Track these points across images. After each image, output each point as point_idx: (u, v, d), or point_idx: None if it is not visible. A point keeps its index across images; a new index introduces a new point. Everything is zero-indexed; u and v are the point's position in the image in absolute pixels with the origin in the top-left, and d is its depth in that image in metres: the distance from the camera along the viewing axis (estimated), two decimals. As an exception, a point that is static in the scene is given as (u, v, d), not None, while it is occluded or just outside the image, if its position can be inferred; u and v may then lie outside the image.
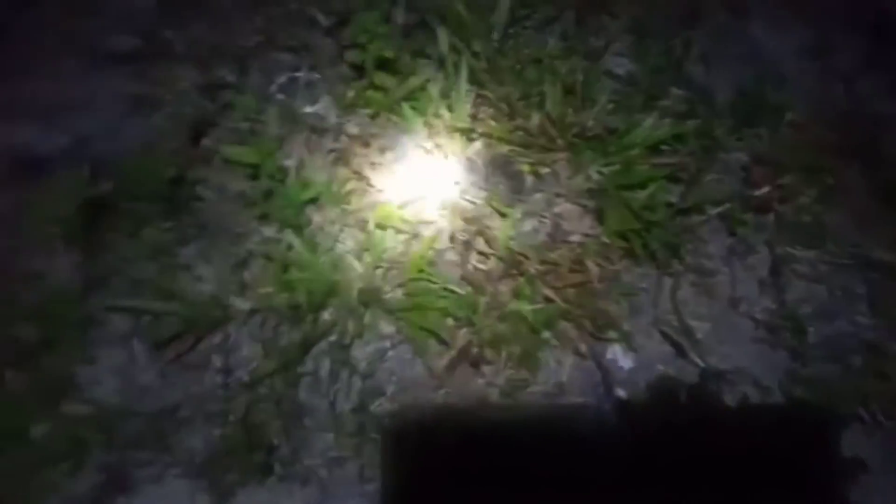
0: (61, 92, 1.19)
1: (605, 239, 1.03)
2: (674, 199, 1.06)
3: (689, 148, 1.12)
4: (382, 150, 1.11)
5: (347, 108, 1.16)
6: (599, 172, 1.08)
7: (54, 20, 1.25)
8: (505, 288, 1.00)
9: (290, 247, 1.01)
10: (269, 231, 1.05)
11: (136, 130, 1.14)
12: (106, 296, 0.99)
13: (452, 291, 0.98)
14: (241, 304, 0.99)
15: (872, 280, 1.05)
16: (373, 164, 1.09)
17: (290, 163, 1.08)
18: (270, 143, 1.09)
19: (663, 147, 1.10)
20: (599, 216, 1.05)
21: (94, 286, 1.00)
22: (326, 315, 0.97)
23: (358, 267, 1.00)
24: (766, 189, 1.09)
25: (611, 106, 1.13)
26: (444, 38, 1.10)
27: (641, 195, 1.03)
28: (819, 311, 1.04)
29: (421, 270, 0.99)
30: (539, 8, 1.23)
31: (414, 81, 1.11)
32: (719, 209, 1.08)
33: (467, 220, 1.03)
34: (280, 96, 1.20)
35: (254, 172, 1.06)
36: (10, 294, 0.97)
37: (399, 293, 0.99)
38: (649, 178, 1.05)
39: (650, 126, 1.10)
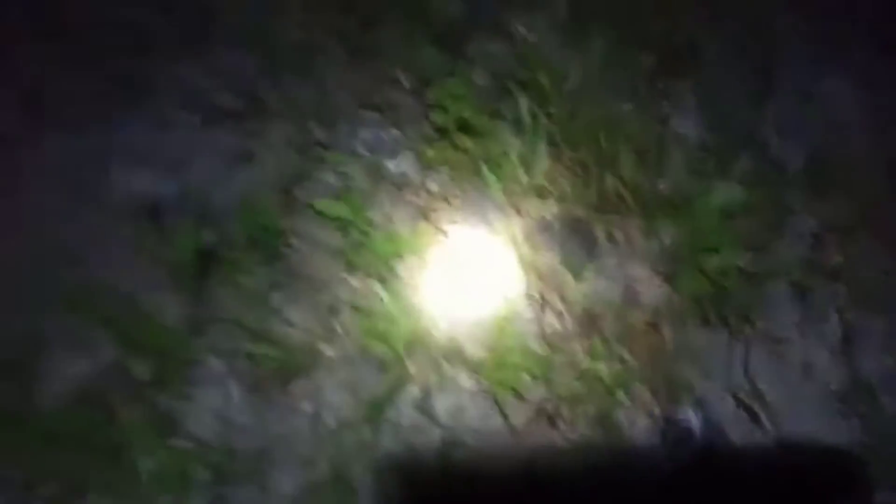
0: (174, 144, 1.29)
1: (677, 302, 1.07)
2: (745, 265, 1.09)
3: (760, 214, 1.15)
4: (462, 208, 1.17)
5: (429, 166, 1.23)
6: (672, 237, 1.12)
7: (171, 80, 1.36)
8: (580, 347, 1.04)
9: (376, 298, 1.07)
10: (355, 282, 1.12)
11: (237, 182, 1.24)
12: (207, 338, 1.08)
13: (529, 349, 1.02)
14: (330, 350, 1.05)
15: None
16: (453, 221, 1.16)
17: (375, 216, 1.16)
18: (358, 197, 1.17)
19: (735, 212, 1.13)
20: (672, 280, 1.08)
21: (197, 328, 1.08)
22: (410, 366, 1.03)
23: (440, 320, 1.06)
24: (836, 257, 1.11)
25: (682, 170, 1.18)
26: (524, 103, 1.17)
27: (714, 260, 1.07)
28: (892, 382, 1.05)
29: (500, 327, 1.04)
30: (612, 71, 1.29)
31: (494, 145, 1.17)
32: (790, 276, 1.11)
33: (543, 280, 1.08)
34: (366, 152, 1.28)
35: (342, 224, 1.14)
36: (125, 332, 1.06)
37: (479, 348, 1.04)
38: (721, 243, 1.08)
39: (722, 192, 1.14)
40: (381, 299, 1.07)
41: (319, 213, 1.16)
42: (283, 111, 1.33)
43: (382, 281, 1.09)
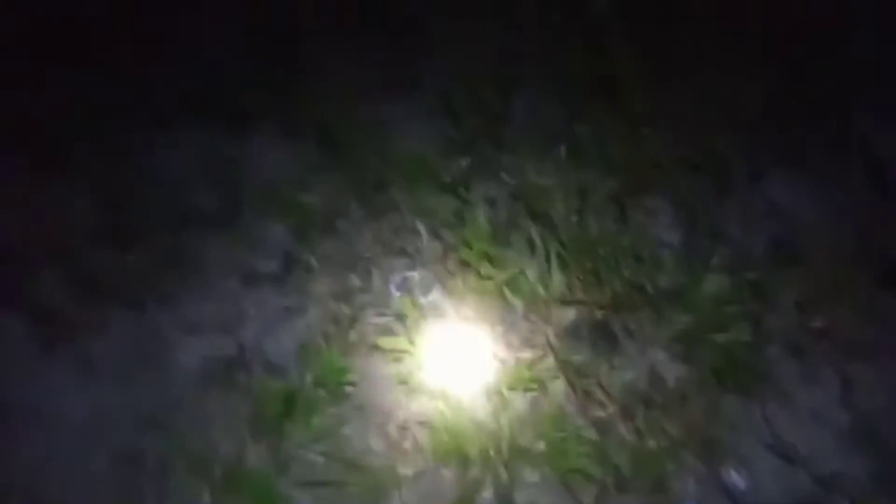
0: (225, 310, 1.45)
1: (697, 376, 1.24)
2: (746, 336, 1.28)
3: (747, 294, 1.36)
4: (495, 326, 1.35)
5: (458, 297, 1.42)
6: (681, 324, 1.31)
7: (212, 253, 1.55)
8: (624, 428, 1.18)
9: (438, 413, 1.21)
10: (415, 404, 1.25)
11: (291, 335, 1.39)
12: (291, 475, 1.18)
13: (583, 436, 1.16)
14: (406, 469, 1.17)
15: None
16: (489, 339, 1.33)
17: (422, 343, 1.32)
18: (404, 330, 1.33)
19: (725, 296, 1.34)
20: (689, 359, 1.26)
21: (280, 469, 1.19)
22: (481, 471, 1.15)
23: (499, 426, 1.19)
24: (819, 320, 1.32)
25: (674, 268, 1.40)
26: (535, 233, 1.39)
27: (720, 337, 1.26)
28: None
29: (552, 420, 1.18)
30: (591, 198, 1.54)
31: (512, 270, 1.38)
32: (785, 340, 1.30)
33: (581, 375, 1.24)
34: (398, 293, 1.47)
35: (398, 355, 1.30)
36: (219, 482, 1.16)
37: (537, 444, 1.17)
38: (723, 323, 1.28)
39: (710, 281, 1.35)
40: (443, 414, 1.21)
41: (375, 348, 1.32)
42: (319, 268, 1.52)
43: (443, 399, 1.23)
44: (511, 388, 1.23)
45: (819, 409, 1.23)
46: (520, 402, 1.23)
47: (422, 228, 1.54)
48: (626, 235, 1.46)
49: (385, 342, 1.31)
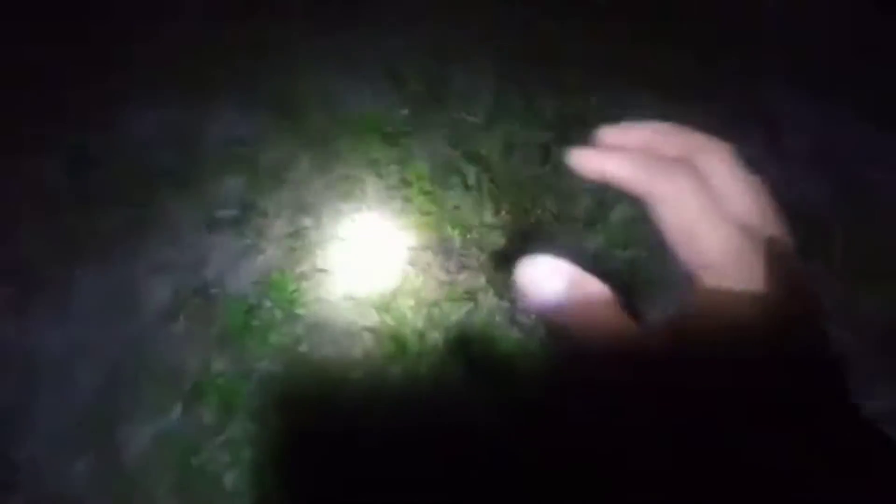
0: (190, 253, 1.59)
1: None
2: (646, 254, 1.49)
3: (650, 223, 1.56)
4: (436, 254, 1.52)
5: (402, 229, 1.59)
6: (594, 243, 1.50)
7: (177, 206, 1.68)
8: (543, 331, 1.37)
9: (384, 325, 1.38)
10: (363, 319, 1.42)
11: (249, 270, 1.54)
12: (252, 383, 1.33)
13: (511, 337, 1.35)
14: (356, 372, 1.33)
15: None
16: (429, 264, 1.50)
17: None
18: (351, 258, 1.49)
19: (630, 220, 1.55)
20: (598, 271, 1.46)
21: (243, 378, 1.34)
22: (418, 368, 1.32)
23: (435, 335, 1.37)
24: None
25: (588, 199, 1.59)
26: (472, 172, 1.57)
27: (626, 254, 1.46)
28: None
29: (485, 325, 1.36)
30: (519, 145, 1.73)
31: (450, 204, 1.55)
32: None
33: (507, 288, 1.42)
34: (348, 231, 1.63)
35: (345, 279, 1.46)
36: (184, 394, 1.30)
37: (470, 346, 1.35)
38: (629, 241, 1.48)
39: (619, 209, 1.55)
40: (388, 324, 1.38)
41: (325, 272, 1.47)
42: (274, 212, 1.67)
43: (388, 311, 1.40)
44: (449, 301, 1.40)
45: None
46: (456, 313, 1.40)
47: (366, 175, 1.70)
48: (548, 176, 1.65)
49: (333, 268, 1.47)
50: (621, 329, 0.28)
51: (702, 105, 1.87)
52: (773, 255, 0.28)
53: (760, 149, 1.82)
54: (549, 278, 0.30)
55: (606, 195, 1.59)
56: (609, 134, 0.34)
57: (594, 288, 0.29)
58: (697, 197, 0.29)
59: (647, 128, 0.34)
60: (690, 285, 0.29)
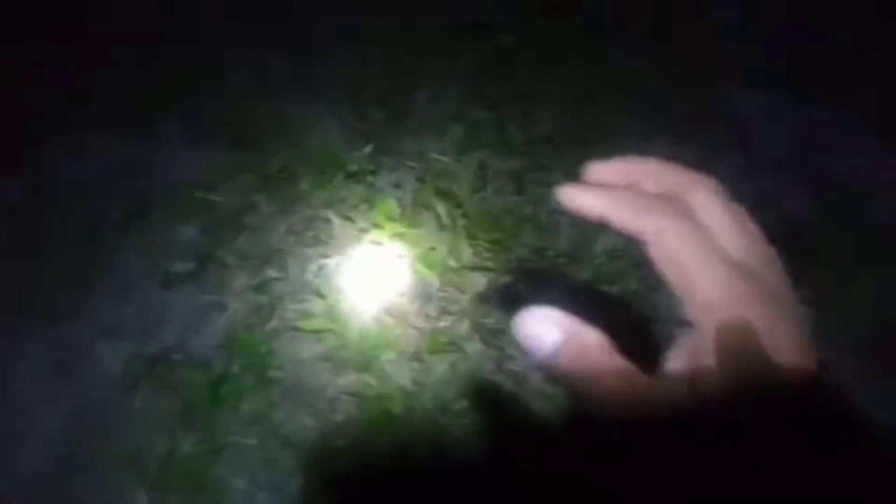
0: (144, 312, 1.46)
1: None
2: (636, 286, 1.42)
3: (635, 249, 1.50)
4: (413, 301, 1.43)
5: (374, 276, 1.49)
6: (579, 280, 1.43)
7: (125, 258, 1.54)
8: (536, 379, 1.29)
9: (364, 385, 1.27)
10: (343, 381, 1.31)
11: (213, 330, 1.42)
12: (224, 461, 1.21)
13: (501, 388, 1.26)
14: (339, 441, 1.22)
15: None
16: (407, 311, 1.41)
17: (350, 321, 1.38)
18: (324, 310, 1.39)
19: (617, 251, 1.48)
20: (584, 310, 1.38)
21: (213, 456, 1.21)
22: (407, 433, 1.22)
23: (425, 397, 1.27)
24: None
25: (571, 231, 1.52)
26: (443, 210, 1.48)
27: (615, 289, 1.39)
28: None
29: (471, 380, 1.27)
30: (492, 176, 1.65)
31: (424, 246, 1.46)
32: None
33: (493, 335, 1.34)
34: (321, 281, 1.52)
35: (320, 335, 1.35)
36: (153, 474, 1.17)
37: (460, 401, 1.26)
38: (616, 275, 1.41)
39: (601, 241, 1.49)
40: (370, 385, 1.27)
41: (297, 330, 1.36)
42: (235, 263, 1.55)
43: (368, 371, 1.30)
44: (432, 353, 1.31)
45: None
46: (441, 365, 1.31)
47: (333, 217, 1.60)
48: (525, 206, 1.57)
49: (306, 324, 1.36)
50: (621, 378, 0.28)
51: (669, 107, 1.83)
52: (770, 297, 0.29)
53: (731, 154, 1.78)
54: (545, 331, 0.30)
55: (588, 226, 1.52)
56: (595, 170, 0.35)
57: (589, 338, 0.30)
58: (689, 235, 0.29)
59: (632, 162, 0.34)
60: (688, 325, 0.29)
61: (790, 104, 1.86)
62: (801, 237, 1.54)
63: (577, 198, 0.33)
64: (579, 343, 0.30)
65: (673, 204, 0.31)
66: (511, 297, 1.40)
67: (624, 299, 1.38)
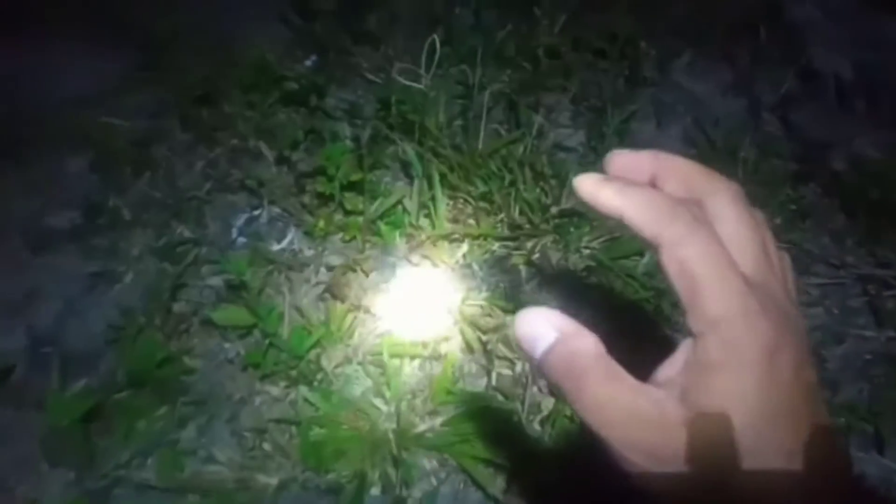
0: (5, 287, 1.08)
1: (617, 308, 1.03)
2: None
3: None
4: (370, 274, 1.06)
5: (320, 238, 1.11)
6: (589, 248, 1.08)
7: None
8: (537, 389, 0.96)
9: (303, 402, 0.94)
10: (275, 390, 0.97)
11: (99, 312, 1.05)
12: (112, 509, 0.88)
13: (488, 407, 0.93)
14: (267, 479, 0.90)
15: (867, 293, 1.09)
16: (364, 290, 1.05)
17: (278, 310, 1.01)
18: (250, 293, 1.02)
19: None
20: (603, 290, 1.04)
21: (101, 499, 0.88)
22: (364, 466, 0.90)
23: (382, 406, 0.94)
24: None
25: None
26: (410, 150, 1.09)
27: (640, 263, 1.04)
28: (826, 336, 1.06)
29: (448, 392, 0.94)
30: (476, 99, 1.24)
31: (389, 200, 1.08)
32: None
33: (480, 328, 1.00)
34: (244, 239, 1.14)
35: (242, 330, 0.99)
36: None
37: (433, 423, 0.93)
38: (636, 246, 1.06)
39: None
40: (309, 402, 0.94)
41: (211, 323, 1.00)
42: (133, 217, 1.16)
43: (306, 382, 0.95)
44: (395, 356, 0.97)
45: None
46: (407, 370, 0.97)
47: (266, 153, 1.20)
48: (518, 143, 1.19)
49: (227, 315, 0.99)
50: (606, 382, 0.29)
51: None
52: (776, 312, 0.29)
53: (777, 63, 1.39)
54: (541, 333, 0.31)
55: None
56: (617, 161, 0.34)
57: (583, 342, 0.30)
58: (704, 245, 0.29)
59: (657, 158, 0.33)
60: (690, 335, 0.29)
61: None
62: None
63: (598, 192, 0.31)
64: (572, 346, 0.30)
65: (692, 210, 0.30)
66: (502, 274, 1.05)
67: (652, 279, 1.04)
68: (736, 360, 0.27)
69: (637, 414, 0.28)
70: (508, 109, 1.25)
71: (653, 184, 0.33)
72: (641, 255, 1.05)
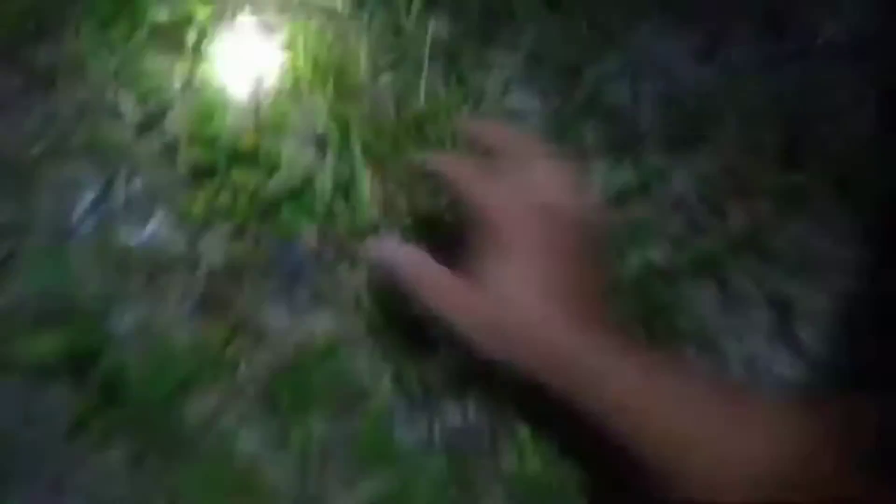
0: None
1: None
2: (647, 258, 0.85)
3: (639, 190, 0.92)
4: (266, 279, 0.78)
5: (197, 227, 0.81)
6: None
7: None
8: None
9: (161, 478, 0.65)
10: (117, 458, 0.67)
11: None
12: None
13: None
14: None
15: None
16: (257, 302, 0.76)
17: (123, 329, 0.72)
18: (86, 314, 0.71)
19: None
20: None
21: None
22: None
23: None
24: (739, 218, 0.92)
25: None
26: (324, 108, 0.80)
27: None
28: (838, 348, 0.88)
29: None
30: (410, 46, 0.97)
31: (293, 174, 0.79)
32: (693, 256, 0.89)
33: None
34: (89, 227, 0.82)
35: (74, 366, 0.68)
36: None
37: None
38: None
39: (594, 168, 0.89)
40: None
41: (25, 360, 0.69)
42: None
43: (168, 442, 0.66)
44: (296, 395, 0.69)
45: (753, 356, 0.86)
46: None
47: (126, 108, 0.88)
48: (460, 106, 0.92)
49: (49, 346, 0.68)
50: (437, 275, 0.48)
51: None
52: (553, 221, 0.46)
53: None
54: (392, 247, 0.56)
55: (567, 136, 0.91)
56: (468, 126, 0.67)
57: (423, 255, 0.50)
58: (499, 188, 0.48)
59: (488, 126, 0.64)
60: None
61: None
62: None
63: (437, 164, 0.56)
64: (415, 255, 0.50)
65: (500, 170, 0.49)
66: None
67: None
68: (518, 255, 0.44)
69: (470, 302, 0.45)
70: (450, 62, 0.98)
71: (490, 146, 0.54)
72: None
